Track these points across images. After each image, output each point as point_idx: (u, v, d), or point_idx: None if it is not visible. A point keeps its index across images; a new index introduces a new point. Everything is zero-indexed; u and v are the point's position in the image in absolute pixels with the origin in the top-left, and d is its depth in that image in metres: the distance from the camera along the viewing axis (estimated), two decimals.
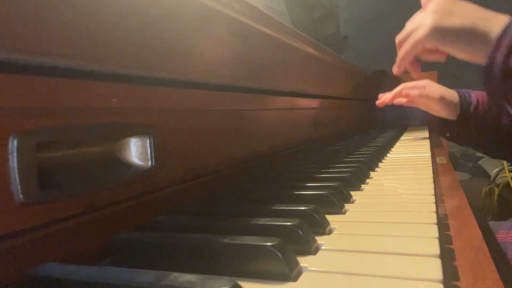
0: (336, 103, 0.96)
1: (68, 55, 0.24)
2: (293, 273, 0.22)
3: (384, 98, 0.95)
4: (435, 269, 0.22)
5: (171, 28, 0.34)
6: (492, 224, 0.80)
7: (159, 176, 0.33)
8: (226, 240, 0.23)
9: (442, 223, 0.35)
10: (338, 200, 0.36)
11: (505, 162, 1.39)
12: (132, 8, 0.29)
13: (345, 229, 0.31)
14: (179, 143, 0.36)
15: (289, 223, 0.26)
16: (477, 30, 0.50)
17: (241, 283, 0.18)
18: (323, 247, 0.27)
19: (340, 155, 0.70)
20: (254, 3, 0.44)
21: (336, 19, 1.17)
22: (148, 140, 0.31)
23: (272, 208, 0.32)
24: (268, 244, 0.22)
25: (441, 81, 1.47)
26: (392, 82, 1.55)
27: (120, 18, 0.28)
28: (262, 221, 0.28)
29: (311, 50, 0.67)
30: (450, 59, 0.58)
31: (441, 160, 0.68)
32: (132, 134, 0.30)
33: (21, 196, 0.22)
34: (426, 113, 0.94)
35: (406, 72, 0.65)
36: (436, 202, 0.37)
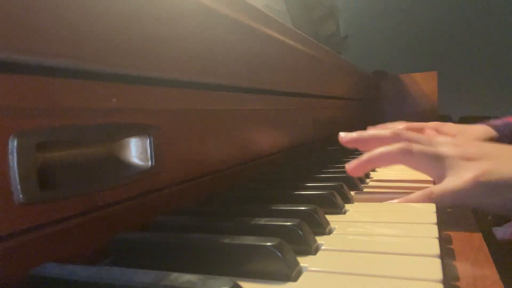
0: (336, 103, 0.96)
1: (68, 55, 0.24)
2: (293, 273, 0.22)
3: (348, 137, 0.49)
4: (435, 269, 0.22)
5: (171, 28, 0.34)
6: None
7: (159, 176, 0.33)
8: (226, 240, 0.23)
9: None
10: (338, 200, 0.36)
11: None
12: (132, 8, 0.29)
13: (345, 229, 0.31)
14: (179, 143, 0.36)
15: (289, 223, 0.26)
16: None
17: (241, 283, 0.18)
18: (323, 247, 0.27)
19: (340, 155, 0.70)
20: (254, 3, 0.44)
21: (336, 19, 1.17)
22: (148, 140, 0.31)
23: (272, 208, 0.32)
24: (268, 244, 0.22)
25: (441, 81, 1.47)
26: (392, 82, 1.55)
27: (121, 18, 0.28)
28: (262, 221, 0.28)
29: (311, 50, 0.67)
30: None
31: None
32: (132, 134, 0.30)
33: (21, 196, 0.22)
34: (425, 112, 0.90)
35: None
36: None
